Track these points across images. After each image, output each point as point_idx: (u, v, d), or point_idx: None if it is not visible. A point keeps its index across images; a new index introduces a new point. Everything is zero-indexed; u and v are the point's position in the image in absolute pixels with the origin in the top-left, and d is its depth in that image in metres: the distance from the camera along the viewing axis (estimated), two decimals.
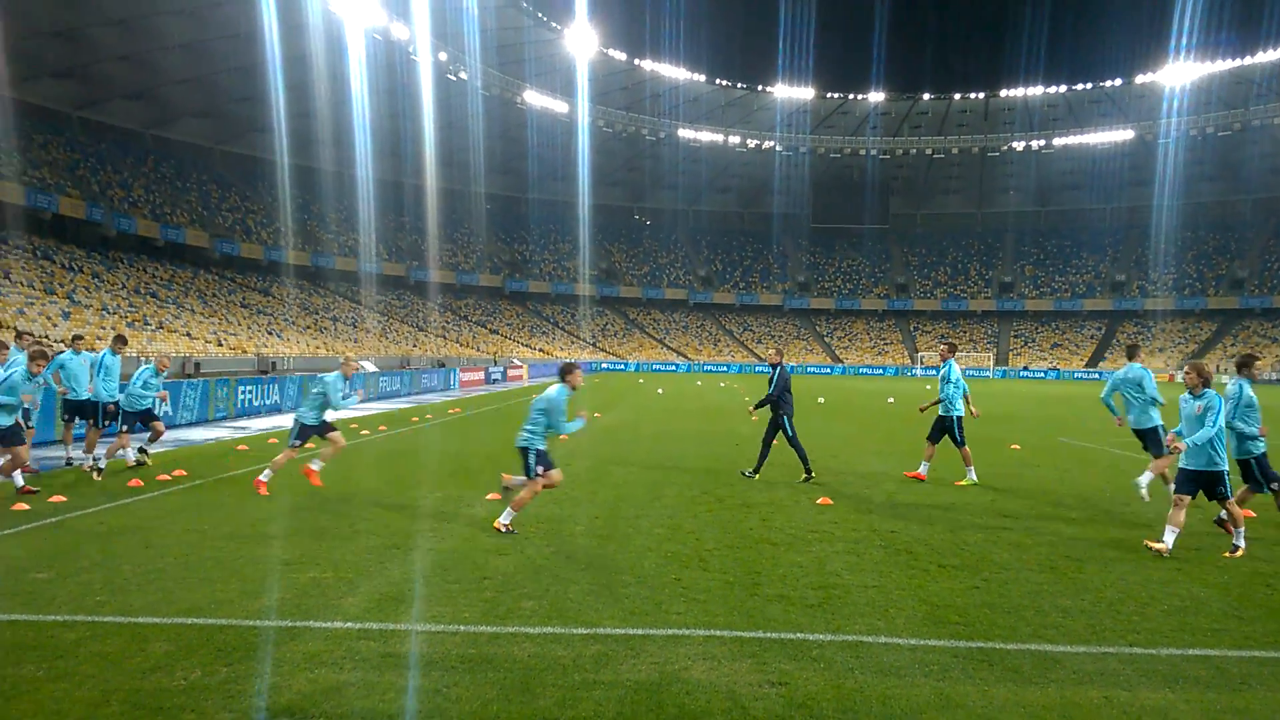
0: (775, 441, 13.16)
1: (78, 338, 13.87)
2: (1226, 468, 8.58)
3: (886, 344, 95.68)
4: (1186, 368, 9.00)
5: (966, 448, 13.06)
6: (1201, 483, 8.62)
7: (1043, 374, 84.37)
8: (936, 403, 13.34)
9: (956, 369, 13.15)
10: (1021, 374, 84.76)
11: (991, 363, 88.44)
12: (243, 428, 20.34)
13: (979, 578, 7.58)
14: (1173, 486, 9.31)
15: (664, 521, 9.75)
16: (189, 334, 47.79)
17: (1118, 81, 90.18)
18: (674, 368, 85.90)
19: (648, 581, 7.26)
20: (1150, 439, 11.54)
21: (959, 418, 13.00)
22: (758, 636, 5.96)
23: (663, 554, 8.23)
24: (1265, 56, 79.34)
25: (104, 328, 41.90)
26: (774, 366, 13.14)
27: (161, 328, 46.91)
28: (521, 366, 57.85)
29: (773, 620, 6.33)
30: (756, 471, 13.15)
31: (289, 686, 4.97)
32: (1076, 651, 5.80)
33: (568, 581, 7.23)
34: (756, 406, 13.47)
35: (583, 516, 10.00)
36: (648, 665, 5.38)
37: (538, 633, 5.96)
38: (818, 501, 11.09)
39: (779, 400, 12.91)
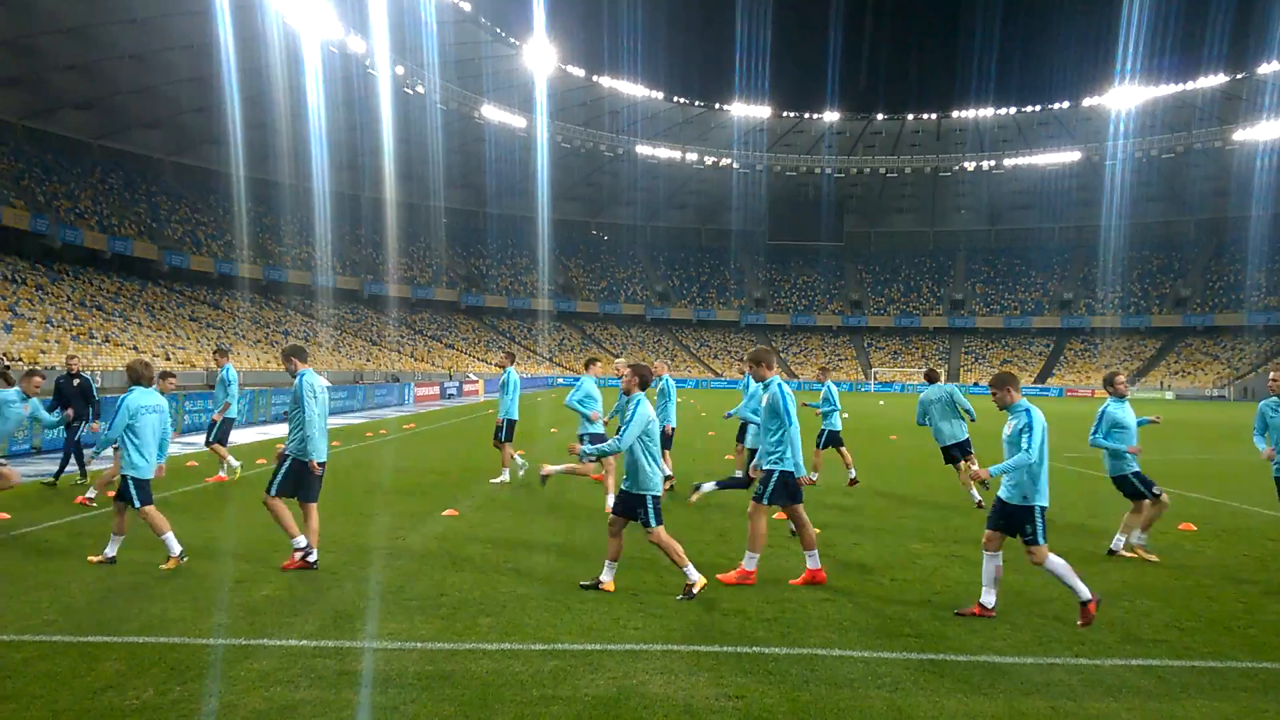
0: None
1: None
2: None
3: (841, 359, 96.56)
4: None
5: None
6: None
7: None
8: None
9: (516, 374, 15.05)
10: (973, 390, 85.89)
11: (944, 379, 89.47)
12: (192, 444, 20.00)
13: (930, 591, 7.72)
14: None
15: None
16: (135, 347, 46.88)
17: (1065, 104, 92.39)
18: None
19: (605, 597, 7.29)
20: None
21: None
22: (714, 650, 6.01)
23: (620, 569, 8.25)
24: (1206, 81, 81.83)
25: (48, 341, 41.03)
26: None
27: (108, 341, 46.00)
28: (477, 381, 57.50)
29: (729, 634, 6.39)
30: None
31: (244, 705, 4.93)
32: (1024, 662, 5.94)
33: (525, 597, 7.23)
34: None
35: (540, 532, 10.00)
36: (605, 680, 5.41)
37: (495, 649, 5.95)
38: (773, 517, 11.17)
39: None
